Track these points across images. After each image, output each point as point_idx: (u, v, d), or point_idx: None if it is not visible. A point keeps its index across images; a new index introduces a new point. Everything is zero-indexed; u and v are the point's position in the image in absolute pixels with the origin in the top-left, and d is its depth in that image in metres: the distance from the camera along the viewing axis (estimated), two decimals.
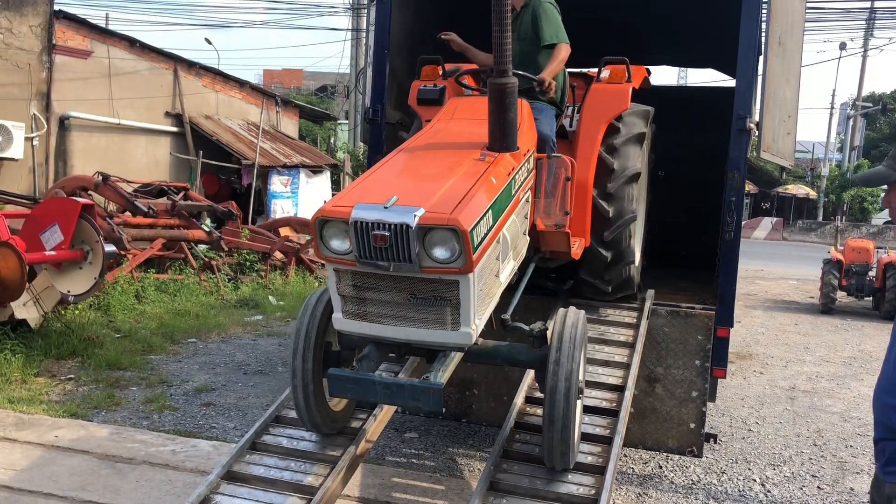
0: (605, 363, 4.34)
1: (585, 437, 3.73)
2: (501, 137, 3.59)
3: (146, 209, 10.38)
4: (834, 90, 43.88)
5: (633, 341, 4.52)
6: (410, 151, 3.78)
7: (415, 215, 2.91)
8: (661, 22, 7.51)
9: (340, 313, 3.21)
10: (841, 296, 14.32)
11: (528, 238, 4.02)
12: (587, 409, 3.93)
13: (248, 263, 12.10)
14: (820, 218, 38.72)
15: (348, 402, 3.84)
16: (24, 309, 6.95)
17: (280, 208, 16.33)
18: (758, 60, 5.11)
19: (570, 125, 5.05)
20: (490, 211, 3.21)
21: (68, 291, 7.17)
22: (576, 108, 5.00)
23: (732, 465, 5.66)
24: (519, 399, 4.08)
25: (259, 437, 3.78)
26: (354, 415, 3.91)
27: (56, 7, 13.40)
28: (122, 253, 10.41)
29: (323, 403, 3.56)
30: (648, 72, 5.37)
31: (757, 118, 4.95)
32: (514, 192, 3.62)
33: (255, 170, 15.44)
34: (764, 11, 5.03)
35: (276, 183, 16.31)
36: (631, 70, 4.85)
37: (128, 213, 10.86)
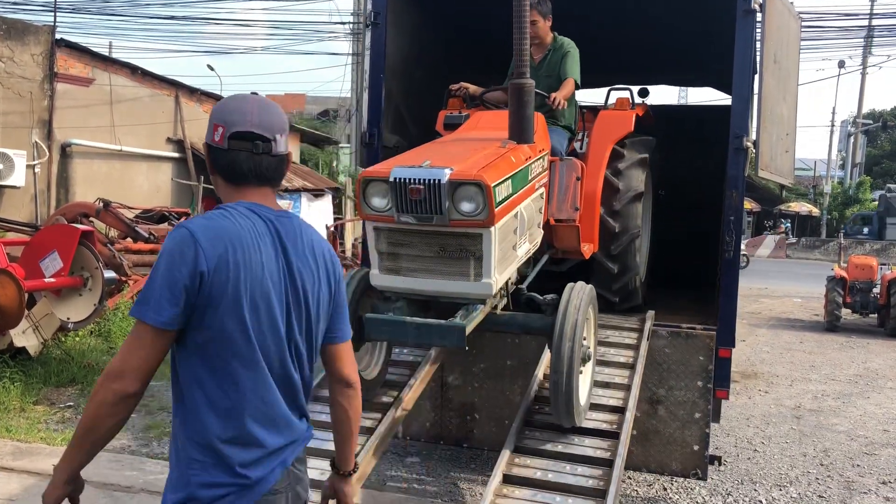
0: (606, 385, 4.31)
1: (586, 461, 3.69)
2: (520, 130, 4.11)
3: (147, 235, 10.38)
4: (834, 108, 44.11)
5: (634, 362, 4.48)
6: (440, 143, 4.37)
7: (446, 172, 3.45)
8: (659, 42, 7.56)
9: (377, 269, 3.74)
10: (846, 313, 14.23)
11: (542, 231, 4.49)
12: (588, 432, 4.00)
13: None
14: (823, 235, 38.60)
15: (379, 372, 4.26)
16: (24, 336, 6.94)
17: None
18: (753, 79, 5.11)
19: (581, 148, 5.46)
20: (510, 180, 3.71)
21: (68, 318, 7.16)
22: (585, 134, 5.47)
23: (738, 486, 5.59)
24: (539, 372, 4.52)
25: None
26: (384, 390, 4.29)
27: (58, 36, 13.47)
28: (123, 279, 10.43)
29: None
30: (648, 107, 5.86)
31: (754, 137, 4.93)
32: (529, 177, 4.09)
33: None
34: (758, 31, 5.04)
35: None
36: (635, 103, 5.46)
37: (129, 240, 10.88)
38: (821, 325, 14.13)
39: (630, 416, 3.96)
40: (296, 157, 19.48)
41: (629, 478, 5.48)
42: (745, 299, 18.12)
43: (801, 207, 41.71)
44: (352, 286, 3.87)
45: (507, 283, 4.07)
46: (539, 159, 4.32)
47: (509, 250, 3.86)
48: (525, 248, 4.14)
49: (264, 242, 2.02)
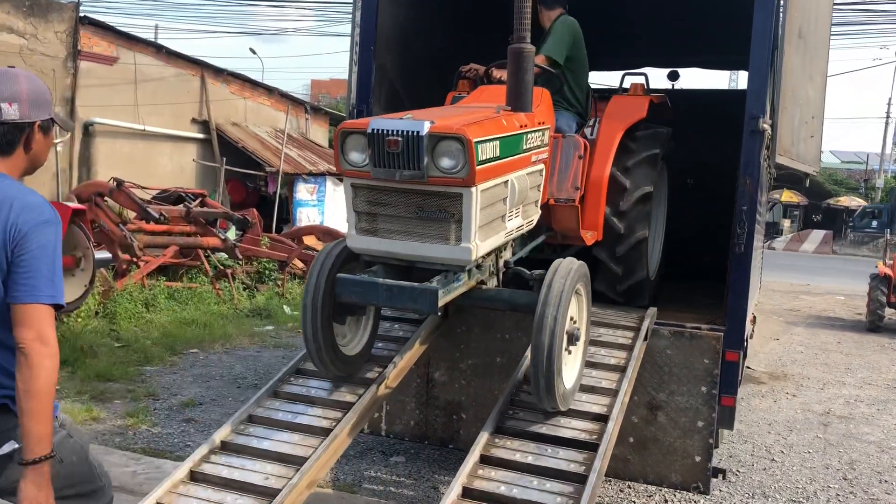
0: (591, 389, 3.89)
1: (557, 475, 3.29)
2: (516, 97, 3.92)
3: (157, 215, 10.18)
4: (890, 99, 42.19)
5: (626, 364, 4.06)
6: (432, 109, 4.12)
7: (426, 124, 3.23)
8: (685, 23, 7.14)
9: (354, 230, 3.55)
10: (890, 313, 13.48)
11: (540, 212, 4.25)
12: (577, 414, 3.75)
13: (266, 272, 11.87)
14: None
15: (363, 347, 4.05)
16: None
17: (306, 216, 16.11)
18: (773, 54, 4.62)
19: (592, 134, 5.11)
20: (498, 142, 3.49)
21: None
22: (597, 120, 5.12)
23: (748, 499, 5.14)
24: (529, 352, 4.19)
25: (279, 387, 3.96)
26: (368, 365, 4.07)
27: (82, 13, 13.38)
28: (134, 260, 10.29)
29: (334, 345, 3.76)
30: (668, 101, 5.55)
31: (771, 119, 4.45)
32: (523, 146, 3.85)
33: (280, 177, 15.24)
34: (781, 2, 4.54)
35: (302, 191, 16.10)
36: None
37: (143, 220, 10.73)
38: (862, 324, 13.44)
39: (613, 426, 3.54)
40: (324, 141, 19.24)
41: (628, 487, 5.07)
42: (784, 296, 17.42)
43: (852, 202, 40.29)
44: (329, 260, 3.66)
45: (496, 258, 3.88)
46: (537, 131, 4.07)
47: (496, 219, 3.64)
48: (517, 223, 3.90)
49: None
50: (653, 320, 4.56)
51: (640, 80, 5.39)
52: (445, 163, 3.26)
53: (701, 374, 4.48)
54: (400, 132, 3.25)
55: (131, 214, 10.93)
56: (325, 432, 3.52)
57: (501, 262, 3.97)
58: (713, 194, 7.17)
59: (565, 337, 3.52)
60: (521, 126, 3.85)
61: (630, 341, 4.27)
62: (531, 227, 4.18)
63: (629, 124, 4.96)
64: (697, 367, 4.48)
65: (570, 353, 3.69)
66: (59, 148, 13.01)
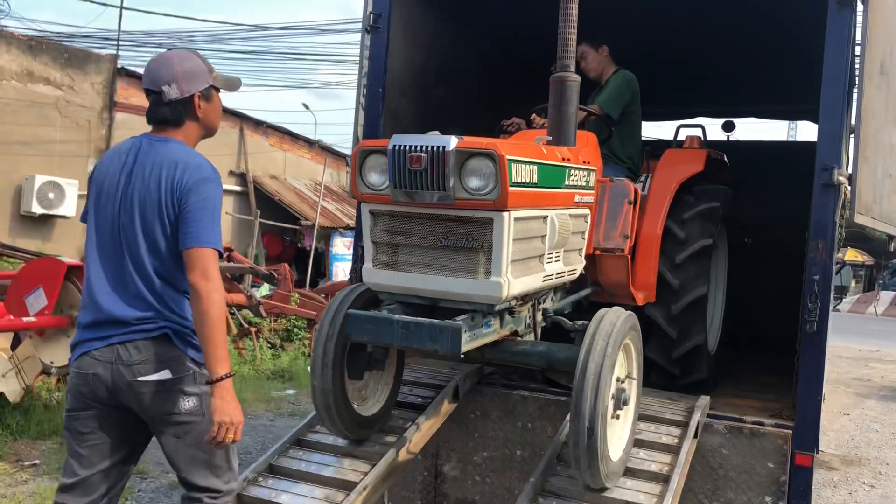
0: None
1: None
2: (559, 129, 3.69)
3: None
4: None
5: (670, 473, 3.27)
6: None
7: (453, 139, 2.95)
8: (741, 69, 6.56)
9: (370, 263, 3.26)
10: None
11: (584, 262, 3.88)
12: None
13: (294, 331, 11.30)
14: None
15: (381, 408, 3.73)
16: (3, 381, 6.26)
17: (342, 271, 15.60)
18: (850, 94, 3.88)
19: (644, 190, 4.59)
20: (536, 167, 3.16)
21: (51, 362, 6.45)
22: (649, 177, 4.63)
23: None
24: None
25: (304, 435, 3.75)
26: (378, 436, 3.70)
27: (120, 65, 13.28)
28: None
29: (347, 402, 3.48)
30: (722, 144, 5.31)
31: (849, 170, 3.68)
32: (565, 181, 3.52)
33: (315, 231, 14.80)
34: (859, 32, 3.82)
35: (339, 245, 15.64)
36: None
37: None
38: None
39: None
40: None
41: None
42: (852, 363, 16.17)
43: None
44: (345, 304, 3.39)
45: (532, 308, 3.47)
46: (582, 170, 3.71)
47: (533, 258, 3.26)
48: (557, 269, 3.49)
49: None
50: (705, 412, 3.77)
51: (697, 131, 4.94)
52: (474, 182, 2.94)
53: (765, 482, 3.66)
54: (424, 148, 2.95)
55: None
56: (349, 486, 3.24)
57: (539, 315, 3.51)
58: (773, 256, 6.48)
59: (611, 400, 3.07)
60: (564, 159, 3.51)
61: (676, 441, 3.48)
62: (573, 277, 3.76)
63: (684, 178, 4.49)
64: (760, 472, 3.67)
65: (617, 418, 3.22)
66: None
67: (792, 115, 8.94)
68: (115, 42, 15.01)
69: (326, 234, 15.52)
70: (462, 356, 2.98)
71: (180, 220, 2.62)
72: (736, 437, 3.72)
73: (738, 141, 7.61)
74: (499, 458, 4.19)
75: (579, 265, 3.81)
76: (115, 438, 2.74)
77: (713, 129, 7.45)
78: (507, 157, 2.90)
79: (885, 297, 33.72)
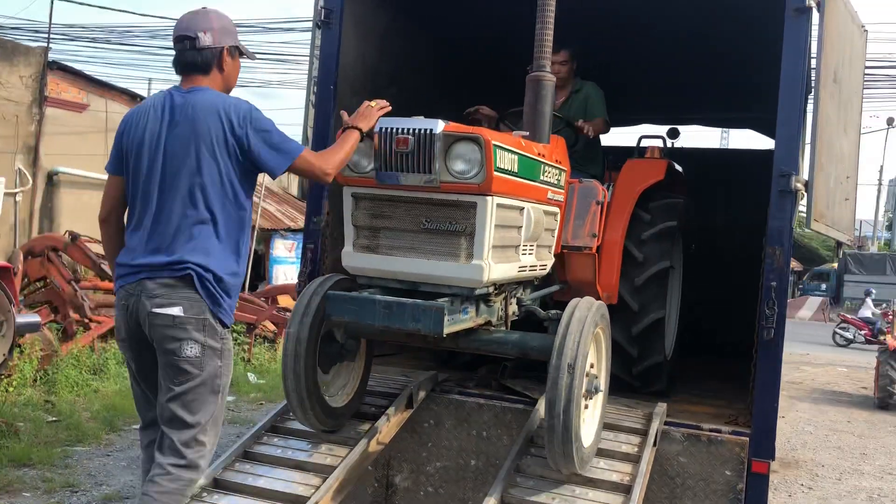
0: None
1: None
2: (534, 125, 3.77)
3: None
4: (882, 165, 42.16)
5: (631, 483, 3.21)
6: None
7: (440, 123, 3.04)
8: (690, 79, 6.60)
9: (351, 247, 3.30)
10: None
11: (553, 258, 3.99)
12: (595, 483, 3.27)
13: (232, 336, 10.98)
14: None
15: (351, 399, 3.73)
16: None
17: (283, 274, 15.31)
18: (806, 101, 3.91)
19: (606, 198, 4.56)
20: (516, 157, 3.26)
21: None
22: (611, 185, 4.63)
23: None
24: (541, 407, 3.78)
25: (251, 447, 3.64)
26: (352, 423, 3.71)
27: (51, 58, 12.73)
28: (85, 320, 9.46)
29: (319, 394, 3.47)
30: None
31: (806, 176, 3.70)
32: (540, 175, 3.60)
33: (255, 233, 14.47)
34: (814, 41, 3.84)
35: (280, 247, 15.32)
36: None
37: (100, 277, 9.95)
38: (870, 400, 12.62)
39: None
40: None
41: None
42: (784, 367, 16.53)
43: None
44: (317, 297, 3.34)
45: (506, 300, 3.51)
46: (554, 167, 3.83)
47: (510, 247, 3.36)
48: (530, 261, 3.59)
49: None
50: (662, 420, 3.73)
51: (658, 142, 5.03)
52: (459, 166, 3.03)
53: (722, 489, 3.65)
54: (411, 130, 3.04)
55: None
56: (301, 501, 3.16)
57: (512, 307, 3.55)
58: (719, 261, 6.54)
59: (584, 386, 3.14)
60: (539, 154, 3.62)
61: (636, 450, 3.42)
62: (544, 272, 3.87)
63: (646, 186, 4.52)
64: (717, 480, 3.65)
65: (587, 407, 3.29)
66: (17, 198, 12.22)
67: (736, 124, 9.08)
68: (46, 35, 14.40)
69: (267, 237, 15.19)
70: (444, 336, 2.99)
71: (256, 151, 2.83)
72: (694, 444, 3.70)
73: (682, 148, 7.69)
74: (453, 469, 4.07)
75: (549, 262, 3.89)
76: (149, 368, 2.95)
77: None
78: (493, 142, 2.99)
79: (812, 302, 34.88)
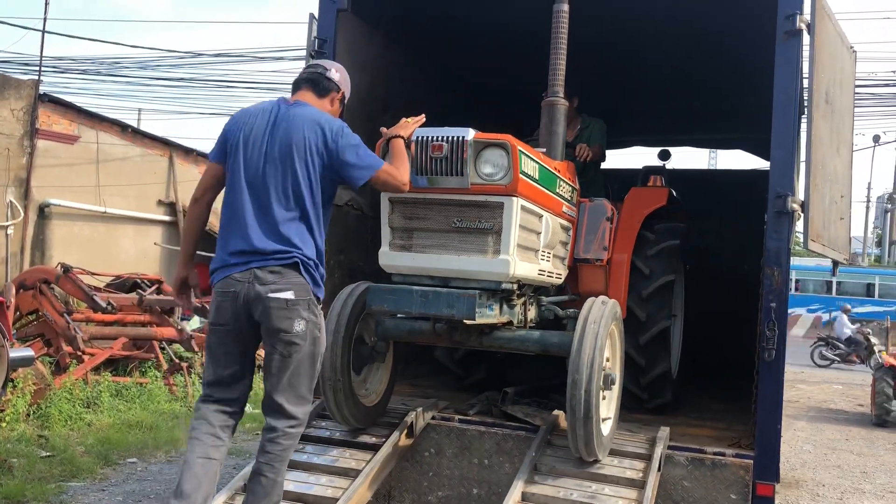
0: None
1: None
2: (549, 145, 4.17)
3: (105, 305, 9.31)
4: (869, 183, 42.62)
5: None
6: None
7: (470, 131, 3.39)
8: (680, 102, 6.68)
9: (387, 247, 3.61)
10: None
11: (566, 270, 4.30)
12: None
13: None
14: None
15: (380, 400, 4.02)
16: None
17: None
18: (799, 121, 3.93)
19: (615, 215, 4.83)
20: (538, 166, 3.62)
21: None
22: (615, 212, 4.83)
23: None
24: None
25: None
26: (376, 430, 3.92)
27: (42, 90, 12.75)
28: (78, 353, 9.38)
29: (353, 392, 3.76)
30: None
31: (802, 197, 3.71)
32: (556, 188, 3.94)
33: None
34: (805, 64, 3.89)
35: None
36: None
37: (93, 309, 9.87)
38: (867, 417, 12.57)
39: None
40: None
41: None
42: None
43: None
44: (351, 299, 3.74)
45: (525, 304, 3.80)
46: (567, 184, 4.21)
47: (531, 249, 3.69)
48: (548, 266, 3.92)
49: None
50: (666, 444, 3.70)
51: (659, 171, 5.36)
52: (488, 169, 3.36)
53: None
54: (446, 138, 3.37)
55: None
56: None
57: (532, 312, 3.85)
58: (713, 281, 6.58)
59: (602, 378, 3.39)
60: (556, 169, 3.96)
61: (641, 475, 3.40)
62: (559, 280, 4.17)
63: (650, 210, 4.77)
64: None
65: (604, 398, 3.54)
66: (9, 231, 12.17)
67: (726, 144, 9.14)
68: (37, 68, 14.41)
69: None
70: (473, 322, 3.27)
71: (344, 160, 3.17)
72: (698, 468, 3.67)
73: (674, 169, 7.75)
74: (455, 498, 4.04)
75: (563, 272, 4.22)
76: (239, 352, 3.24)
77: (650, 156, 7.58)
78: (519, 148, 3.34)
79: (805, 319, 34.86)
